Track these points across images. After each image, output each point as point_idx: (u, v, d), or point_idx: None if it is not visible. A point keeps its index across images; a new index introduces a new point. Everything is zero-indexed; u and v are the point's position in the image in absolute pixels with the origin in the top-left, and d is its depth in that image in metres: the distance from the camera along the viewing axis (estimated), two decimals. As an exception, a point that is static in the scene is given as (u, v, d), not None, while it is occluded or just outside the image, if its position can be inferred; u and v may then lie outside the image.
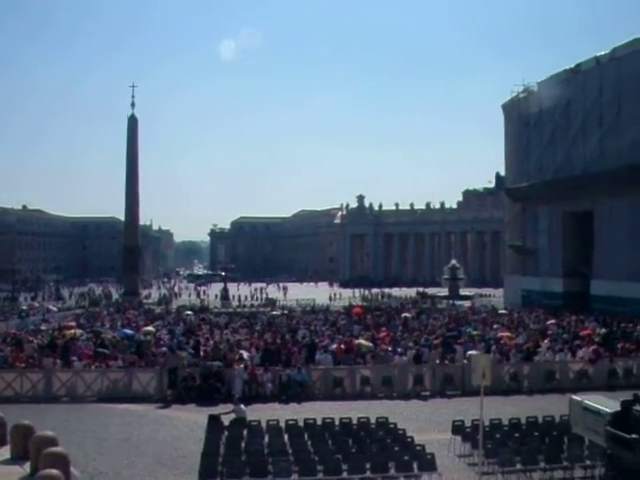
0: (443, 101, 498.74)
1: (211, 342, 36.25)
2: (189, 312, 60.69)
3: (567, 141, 64.50)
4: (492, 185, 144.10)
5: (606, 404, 13.45)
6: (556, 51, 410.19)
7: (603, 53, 61.32)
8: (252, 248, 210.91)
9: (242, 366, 29.25)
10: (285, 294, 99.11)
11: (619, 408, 12.76)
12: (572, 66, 65.67)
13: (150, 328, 43.40)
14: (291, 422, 21.33)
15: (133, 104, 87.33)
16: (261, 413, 23.54)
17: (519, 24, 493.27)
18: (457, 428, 20.48)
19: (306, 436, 20.21)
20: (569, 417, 16.15)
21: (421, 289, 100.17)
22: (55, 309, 69.64)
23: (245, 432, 20.57)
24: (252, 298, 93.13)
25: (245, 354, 31.64)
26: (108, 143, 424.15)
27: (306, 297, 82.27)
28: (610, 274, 59.45)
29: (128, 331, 42.01)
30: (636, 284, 55.02)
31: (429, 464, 17.40)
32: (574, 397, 15.08)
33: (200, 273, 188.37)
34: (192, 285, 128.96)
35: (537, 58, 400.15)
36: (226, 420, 21.57)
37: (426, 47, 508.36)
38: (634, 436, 12.00)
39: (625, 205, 58.50)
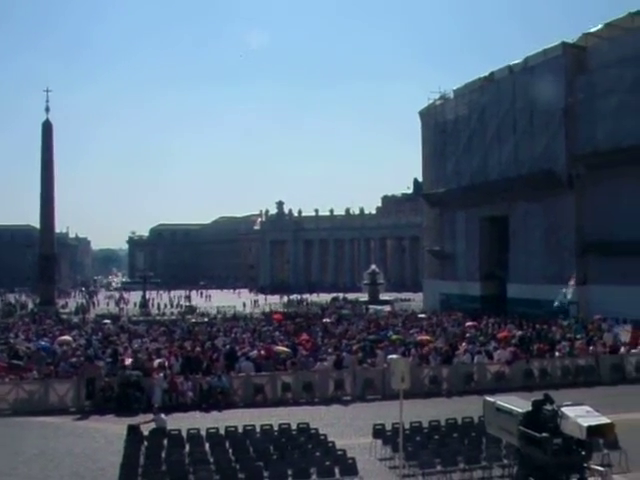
0: (362, 108, 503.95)
1: (130, 351, 35.66)
2: (107, 321, 59.63)
3: (482, 147, 65.79)
4: (410, 191, 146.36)
5: (518, 404, 13.68)
6: (472, 59, 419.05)
7: (516, 62, 62.79)
8: (171, 255, 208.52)
9: (162, 375, 28.84)
10: (206, 301, 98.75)
11: (530, 408, 13.03)
12: (486, 74, 67.06)
13: (67, 337, 42.40)
14: (212, 430, 21.11)
15: (47, 109, 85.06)
16: (182, 422, 23.23)
17: (437, 32, 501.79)
18: (378, 432, 20.59)
19: (227, 444, 20.04)
20: (483, 418, 16.44)
21: (340, 294, 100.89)
22: (-34, 320, 67.46)
23: (165, 442, 20.28)
24: (172, 306, 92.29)
25: (165, 362, 31.20)
26: (23, 149, 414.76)
27: (227, 304, 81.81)
28: (525, 277, 60.87)
29: (43, 343, 40.89)
30: (550, 286, 56.44)
31: (350, 468, 17.45)
32: (487, 398, 15.28)
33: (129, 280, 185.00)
34: (112, 294, 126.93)
35: (453, 66, 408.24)
36: (146, 430, 21.21)
37: (346, 54, 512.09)
38: (544, 435, 12.28)
39: (539, 209, 60.01)
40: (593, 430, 11.80)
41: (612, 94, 51.78)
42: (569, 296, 49.58)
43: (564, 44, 57.29)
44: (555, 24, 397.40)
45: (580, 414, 12.09)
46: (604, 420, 12.10)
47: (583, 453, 12.52)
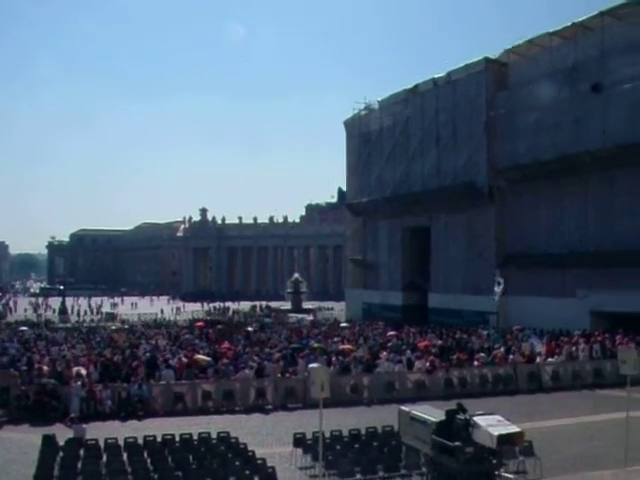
0: (287, 117, 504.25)
1: (47, 359, 34.89)
2: (24, 327, 58.25)
3: (406, 158, 66.57)
4: (334, 200, 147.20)
5: (432, 413, 13.98)
6: (397, 71, 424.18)
7: (440, 75, 63.79)
8: (92, 261, 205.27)
9: (79, 383, 28.31)
10: (133, 308, 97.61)
11: (444, 417, 13.31)
12: (411, 86, 67.91)
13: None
14: (130, 440, 20.78)
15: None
16: (100, 431, 22.79)
17: (362, 43, 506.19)
18: (298, 441, 20.59)
19: (145, 454, 19.77)
20: (398, 427, 16.68)
21: (263, 303, 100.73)
22: None
23: (82, 452, 19.90)
24: (92, 313, 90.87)
25: (83, 370, 30.62)
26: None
27: (148, 311, 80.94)
28: (446, 287, 61.88)
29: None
30: (470, 296, 57.50)
31: (270, 478, 17.41)
32: (402, 408, 15.56)
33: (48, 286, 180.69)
34: (31, 300, 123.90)
35: (379, 77, 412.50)
36: (61, 440, 20.78)
37: (272, 65, 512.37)
38: (457, 443, 12.56)
39: (460, 221, 61.09)
40: (503, 439, 12.16)
41: (531, 110, 53.14)
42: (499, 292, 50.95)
43: (486, 59, 58.52)
44: (479, 38, 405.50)
45: (491, 423, 12.44)
46: (514, 429, 12.48)
47: (494, 461, 12.89)
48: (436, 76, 64.39)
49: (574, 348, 37.35)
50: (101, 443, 20.37)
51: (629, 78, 45.94)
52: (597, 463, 18.65)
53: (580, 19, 50.90)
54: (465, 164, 59.00)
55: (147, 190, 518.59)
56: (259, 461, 18.34)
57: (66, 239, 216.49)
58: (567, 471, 18.07)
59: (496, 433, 12.09)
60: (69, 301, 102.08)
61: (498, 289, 50.74)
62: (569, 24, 51.65)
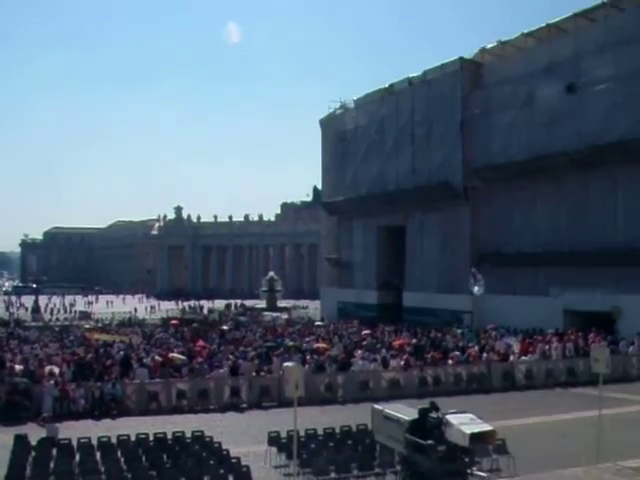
0: (263, 114, 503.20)
1: (19, 357, 34.63)
2: (-4, 327, 57.85)
3: (381, 157, 66.63)
4: (310, 198, 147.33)
5: (405, 412, 14.06)
6: (372, 70, 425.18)
7: (415, 75, 63.96)
8: (66, 259, 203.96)
9: (52, 382, 28.10)
10: (109, 307, 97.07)
11: (417, 416, 13.38)
12: (386, 85, 68.05)
13: None
14: (103, 439, 20.64)
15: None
16: (73, 431, 22.62)
17: (338, 41, 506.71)
18: (273, 439, 20.57)
19: (119, 453, 19.65)
20: (372, 426, 16.72)
21: (238, 301, 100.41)
22: None
23: (54, 451, 19.74)
24: (65, 311, 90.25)
25: (56, 369, 30.40)
26: None
27: (122, 310, 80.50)
28: (421, 286, 62.01)
29: None
30: (445, 295, 57.71)
31: (244, 477, 17.37)
32: (375, 406, 15.64)
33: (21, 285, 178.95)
34: (3, 298, 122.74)
35: (354, 76, 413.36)
36: (34, 439, 20.60)
37: (249, 61, 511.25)
38: (430, 442, 12.63)
39: (435, 220, 61.34)
40: (475, 437, 12.25)
41: (505, 110, 53.37)
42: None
43: (461, 59, 58.72)
44: (455, 38, 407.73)
45: (463, 422, 12.53)
46: (486, 427, 12.59)
47: (467, 460, 12.98)
48: (411, 76, 64.57)
49: (547, 347, 37.62)
50: (74, 443, 20.21)
51: (603, 79, 46.29)
52: (570, 461, 18.72)
53: (554, 20, 51.26)
54: (440, 163, 59.16)
55: (122, 188, 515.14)
56: (233, 460, 18.30)
57: (39, 237, 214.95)
58: (540, 469, 18.14)
59: (468, 431, 12.18)
60: (43, 299, 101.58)
61: (477, 286, 50.91)
62: (543, 25, 52.02)
